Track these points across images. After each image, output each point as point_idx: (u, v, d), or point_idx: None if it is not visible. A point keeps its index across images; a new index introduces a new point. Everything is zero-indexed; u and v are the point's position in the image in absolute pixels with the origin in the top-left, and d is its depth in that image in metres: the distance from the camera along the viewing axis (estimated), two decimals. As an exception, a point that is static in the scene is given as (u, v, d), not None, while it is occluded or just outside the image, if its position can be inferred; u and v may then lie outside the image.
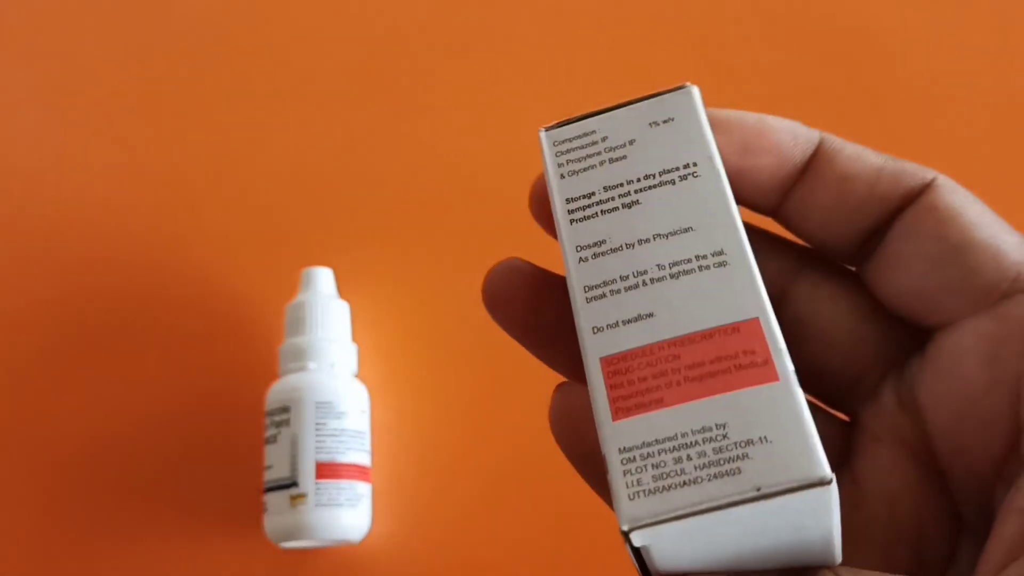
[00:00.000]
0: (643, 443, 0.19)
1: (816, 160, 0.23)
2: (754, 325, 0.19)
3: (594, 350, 0.20)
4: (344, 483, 0.45)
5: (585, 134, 0.23)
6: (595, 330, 0.20)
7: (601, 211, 0.22)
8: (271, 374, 0.48)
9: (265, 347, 0.50)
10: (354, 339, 0.49)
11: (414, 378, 0.50)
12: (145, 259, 0.53)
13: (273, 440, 0.46)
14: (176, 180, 0.54)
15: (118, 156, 0.55)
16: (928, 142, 0.53)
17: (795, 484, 0.17)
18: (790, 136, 0.23)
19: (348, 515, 0.45)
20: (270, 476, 0.46)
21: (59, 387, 0.51)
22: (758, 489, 0.17)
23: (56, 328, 0.52)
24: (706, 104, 0.22)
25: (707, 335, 0.19)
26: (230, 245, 0.53)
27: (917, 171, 0.22)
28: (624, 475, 0.18)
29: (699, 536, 0.18)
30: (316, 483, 0.45)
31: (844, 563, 0.22)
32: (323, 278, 0.49)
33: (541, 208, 0.24)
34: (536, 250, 0.26)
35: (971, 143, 0.53)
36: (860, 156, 0.23)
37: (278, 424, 0.46)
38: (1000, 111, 0.54)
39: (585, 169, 0.22)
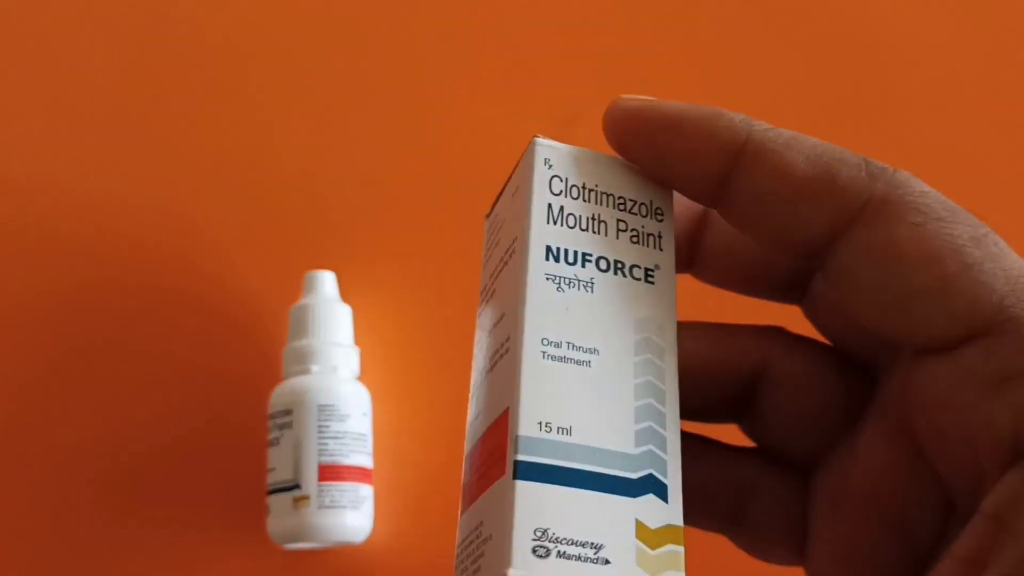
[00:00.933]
0: (461, 540, 0.20)
1: (737, 169, 0.21)
2: (505, 415, 0.19)
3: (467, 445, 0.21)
4: (347, 485, 0.46)
5: (495, 219, 0.23)
6: (470, 424, 0.21)
7: (485, 302, 0.23)
8: (275, 377, 0.49)
9: (269, 350, 0.50)
10: (356, 342, 0.49)
11: (416, 381, 0.51)
12: (148, 262, 0.53)
13: (276, 443, 0.46)
14: (180, 183, 0.54)
15: (121, 159, 0.55)
16: (929, 140, 0.53)
17: None
18: (705, 141, 0.21)
19: (351, 517, 0.46)
20: (273, 478, 0.46)
21: (62, 389, 0.51)
22: None
23: (60, 330, 0.52)
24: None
25: (493, 427, 0.20)
26: (234, 248, 0.53)
27: (848, 191, 0.20)
28: (456, 570, 0.20)
29: None
30: (319, 485, 0.45)
31: (825, 526, 0.23)
32: (326, 282, 0.49)
33: (626, 128, 0.22)
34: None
35: (973, 142, 0.53)
36: (783, 168, 0.20)
37: (281, 427, 0.46)
38: (1002, 111, 0.54)
39: (488, 259, 0.23)
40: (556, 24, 0.57)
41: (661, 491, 0.19)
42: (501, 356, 0.20)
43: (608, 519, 0.18)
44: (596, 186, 0.21)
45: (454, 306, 0.51)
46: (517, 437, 0.19)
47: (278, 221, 0.53)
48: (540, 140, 0.22)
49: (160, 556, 0.49)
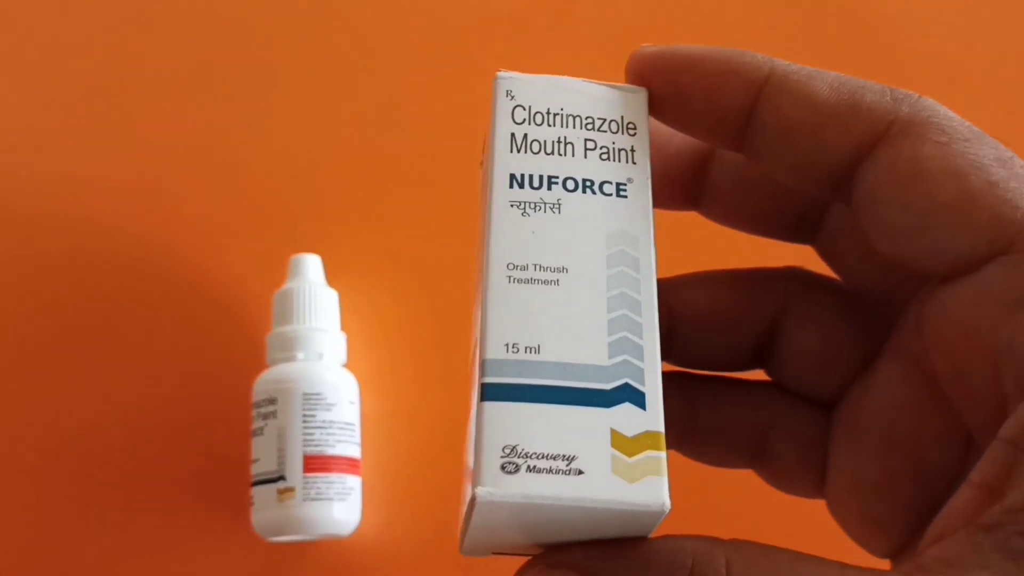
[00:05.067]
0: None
1: (761, 102, 0.21)
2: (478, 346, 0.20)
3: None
4: (334, 476, 0.44)
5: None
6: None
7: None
8: (259, 364, 0.47)
9: (252, 336, 0.49)
10: (342, 328, 0.48)
11: (404, 368, 0.50)
12: (130, 247, 0.52)
13: (260, 432, 0.45)
14: (161, 168, 0.53)
15: (101, 142, 0.54)
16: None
17: (471, 498, 0.18)
18: (727, 77, 0.21)
19: (338, 509, 0.44)
20: (257, 469, 0.45)
21: (42, 378, 0.50)
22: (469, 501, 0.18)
23: (39, 319, 0.51)
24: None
25: (472, 359, 0.20)
26: (216, 231, 0.52)
27: (874, 112, 0.20)
28: None
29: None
30: (304, 477, 0.44)
31: (843, 460, 0.23)
32: (311, 265, 0.48)
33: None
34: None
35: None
36: (808, 96, 0.20)
37: (265, 416, 0.45)
38: (1011, 102, 0.54)
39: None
40: (549, 10, 0.56)
41: (638, 399, 0.19)
42: (477, 288, 0.21)
43: (580, 431, 0.18)
44: (561, 109, 0.22)
45: (442, 290, 0.50)
46: (484, 361, 0.19)
47: (262, 203, 0.52)
48: (502, 73, 0.22)
49: (142, 547, 0.48)
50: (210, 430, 0.49)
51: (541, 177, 0.21)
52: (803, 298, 0.24)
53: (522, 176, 0.21)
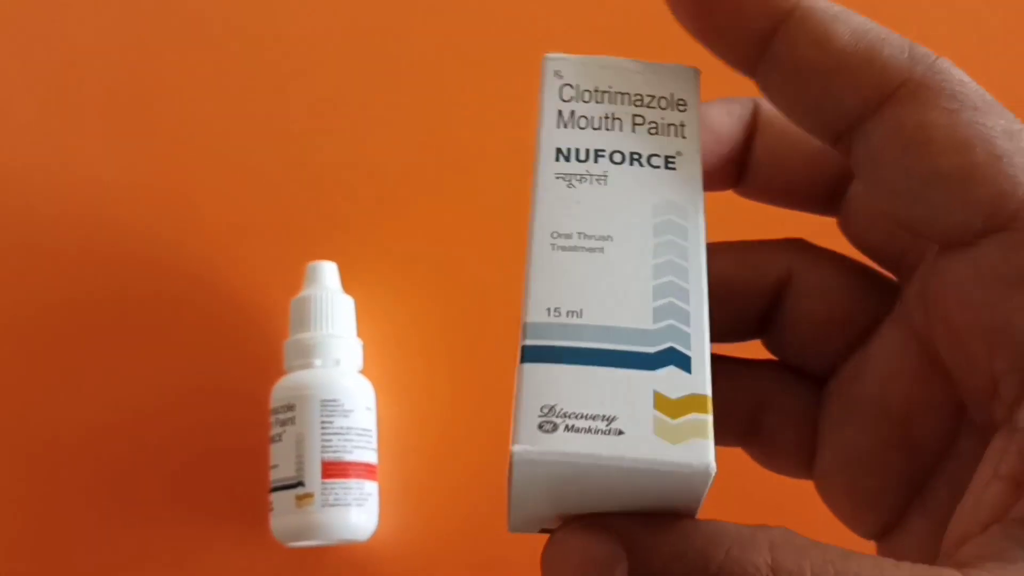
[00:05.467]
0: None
1: (779, 37, 0.20)
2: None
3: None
4: (351, 482, 0.45)
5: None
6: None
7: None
8: (277, 370, 0.48)
9: (271, 342, 0.49)
10: (359, 334, 0.49)
11: (419, 374, 0.50)
12: (149, 253, 0.52)
13: (279, 439, 0.45)
14: (180, 174, 0.53)
15: (120, 148, 0.54)
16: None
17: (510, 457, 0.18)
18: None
19: (355, 514, 0.45)
20: (276, 475, 0.45)
21: (62, 382, 0.50)
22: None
23: (60, 323, 0.51)
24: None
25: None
26: (235, 239, 0.52)
27: (890, 64, 0.19)
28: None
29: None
30: (323, 483, 0.44)
31: (833, 433, 0.23)
32: (328, 272, 0.48)
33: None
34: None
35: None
36: (826, 41, 0.20)
37: (283, 422, 0.45)
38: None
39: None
40: (559, 15, 0.56)
41: (683, 362, 0.18)
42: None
43: (622, 392, 0.18)
44: (610, 87, 0.22)
45: (457, 297, 0.50)
46: (525, 324, 0.19)
47: (279, 211, 0.53)
48: (550, 55, 0.22)
49: (162, 552, 0.48)
50: (228, 436, 0.49)
51: (588, 151, 0.21)
52: (804, 268, 0.24)
53: (568, 150, 0.21)
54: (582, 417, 0.18)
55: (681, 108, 0.21)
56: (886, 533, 0.22)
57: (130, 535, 0.48)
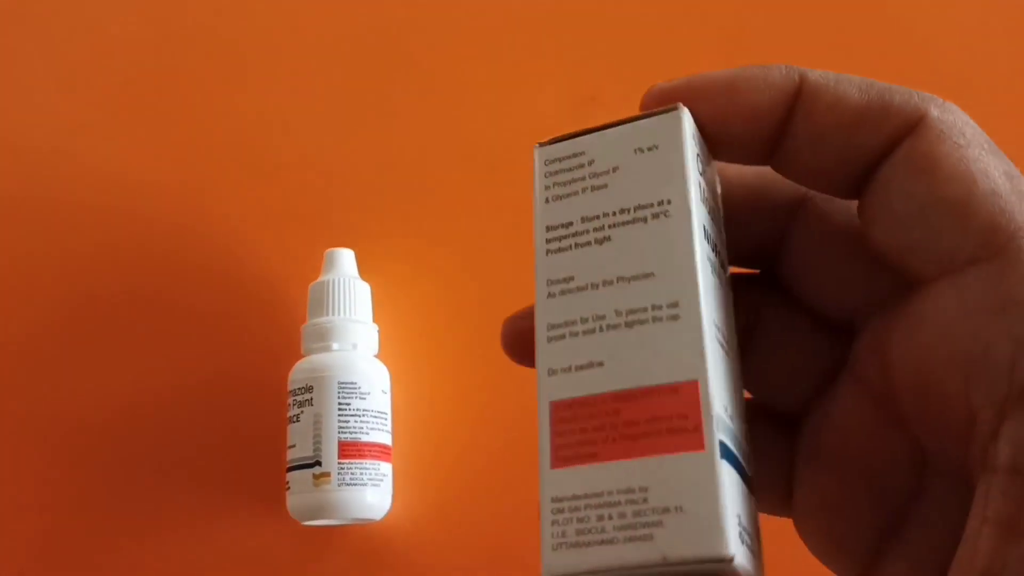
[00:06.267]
0: (573, 496, 0.19)
1: (795, 112, 0.21)
2: (692, 388, 0.19)
3: (546, 393, 0.20)
4: (367, 463, 0.46)
5: (575, 155, 0.22)
6: (550, 372, 0.21)
7: (575, 244, 0.21)
8: (295, 353, 0.49)
9: (289, 326, 0.50)
10: (375, 319, 0.50)
11: (434, 358, 0.51)
12: (170, 239, 0.53)
13: (296, 419, 0.47)
14: (201, 162, 0.54)
15: (141, 137, 0.55)
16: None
17: (699, 558, 0.18)
18: (764, 93, 0.21)
19: (371, 494, 0.46)
20: (293, 455, 0.46)
21: (85, 366, 0.51)
22: (664, 558, 0.18)
23: (85, 308, 0.52)
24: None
25: (647, 392, 0.20)
26: (254, 226, 0.53)
27: (904, 110, 0.21)
28: (552, 524, 0.19)
29: None
30: (339, 463, 0.45)
31: (806, 480, 0.23)
32: (345, 259, 0.49)
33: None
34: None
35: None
36: (840, 100, 0.21)
37: (301, 404, 0.46)
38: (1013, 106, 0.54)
39: (569, 195, 0.22)
40: (571, 4, 0.56)
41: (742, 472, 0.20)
42: (648, 321, 0.20)
43: (753, 510, 0.20)
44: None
45: (472, 283, 0.51)
46: (713, 416, 0.19)
47: (298, 198, 0.54)
48: (684, 107, 0.22)
49: (180, 530, 0.49)
50: (247, 416, 0.50)
51: (710, 235, 0.21)
52: (769, 314, 0.24)
53: (704, 230, 0.21)
54: (747, 532, 0.19)
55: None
56: (866, 575, 0.23)
57: (149, 513, 0.49)
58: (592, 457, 0.20)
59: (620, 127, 0.22)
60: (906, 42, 0.55)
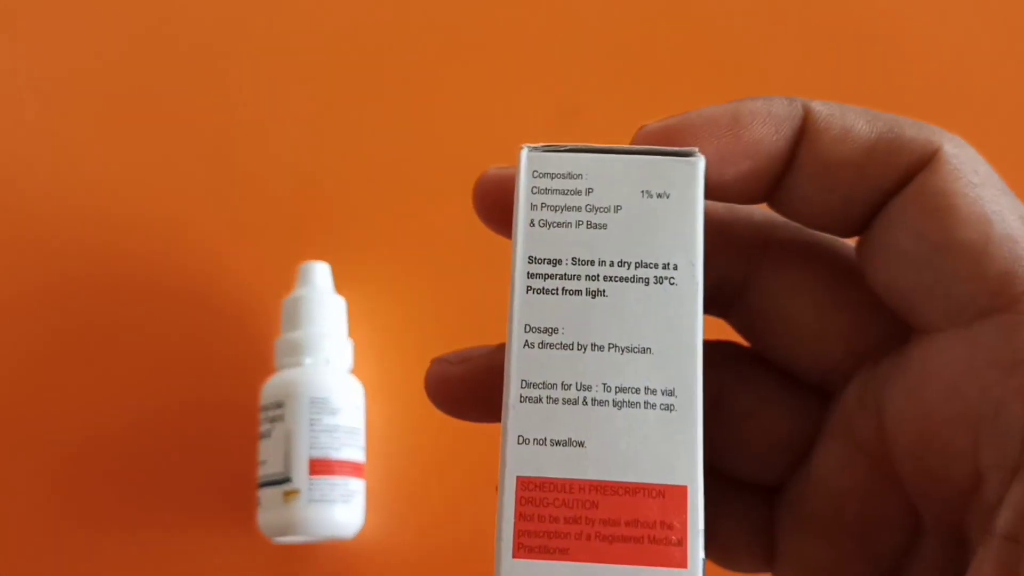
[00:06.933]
0: None
1: (801, 145, 0.20)
2: (680, 495, 0.18)
3: (514, 465, 0.18)
4: (338, 479, 0.45)
5: (571, 175, 0.20)
6: (521, 440, 0.18)
7: (564, 289, 0.19)
8: (267, 368, 0.48)
9: (261, 341, 0.50)
10: (350, 335, 0.49)
11: (409, 374, 0.50)
12: (140, 252, 0.52)
13: (267, 435, 0.46)
14: (172, 173, 0.54)
15: (113, 148, 0.54)
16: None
17: None
18: (770, 127, 0.20)
19: (341, 511, 0.45)
20: (264, 471, 0.46)
21: (51, 381, 0.51)
22: None
23: (49, 321, 0.52)
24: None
25: (631, 489, 0.18)
26: (226, 239, 0.52)
27: (916, 143, 0.19)
28: None
29: None
30: (310, 479, 0.45)
31: (790, 546, 0.22)
32: (320, 273, 0.49)
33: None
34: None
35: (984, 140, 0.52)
36: (848, 134, 0.20)
37: (272, 419, 0.46)
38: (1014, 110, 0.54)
39: (560, 224, 0.20)
40: (555, 16, 0.56)
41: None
42: (639, 405, 0.18)
43: None
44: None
45: (449, 298, 0.51)
46: (700, 530, 0.18)
47: (271, 211, 0.53)
48: (700, 155, 0.19)
49: (149, 548, 0.49)
50: (218, 433, 0.50)
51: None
52: (733, 390, 0.23)
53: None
54: None
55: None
56: None
57: (117, 530, 0.49)
58: (563, 554, 0.18)
59: (627, 157, 0.20)
60: (889, 66, 0.55)
